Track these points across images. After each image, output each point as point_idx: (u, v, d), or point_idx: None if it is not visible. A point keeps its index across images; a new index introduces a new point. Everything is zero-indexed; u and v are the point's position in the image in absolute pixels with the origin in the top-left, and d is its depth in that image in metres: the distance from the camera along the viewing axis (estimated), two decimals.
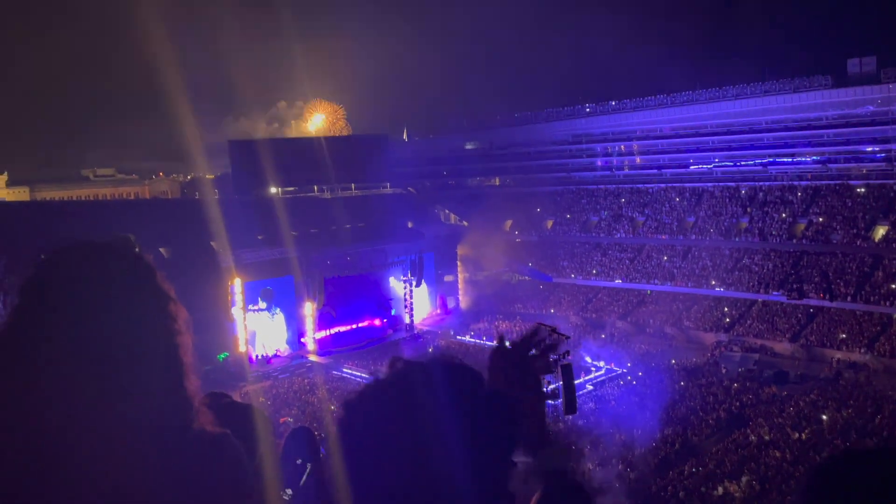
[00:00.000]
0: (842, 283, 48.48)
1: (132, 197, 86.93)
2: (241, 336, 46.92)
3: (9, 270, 42.34)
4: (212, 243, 45.70)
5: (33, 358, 1.47)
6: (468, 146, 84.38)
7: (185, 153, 49.86)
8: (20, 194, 79.76)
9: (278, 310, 50.78)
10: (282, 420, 33.79)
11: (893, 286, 46.04)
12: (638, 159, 69.40)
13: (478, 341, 52.08)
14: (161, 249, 47.42)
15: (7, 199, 68.86)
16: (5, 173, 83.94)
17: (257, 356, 48.63)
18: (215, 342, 43.74)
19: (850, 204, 53.41)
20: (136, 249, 1.77)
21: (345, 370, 46.91)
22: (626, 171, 70.02)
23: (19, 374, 1.46)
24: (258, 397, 39.49)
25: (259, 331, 49.23)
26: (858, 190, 53.96)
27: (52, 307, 1.52)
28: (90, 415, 1.45)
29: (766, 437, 30.99)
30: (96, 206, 66.48)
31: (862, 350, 43.23)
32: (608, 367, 44.12)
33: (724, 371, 42.38)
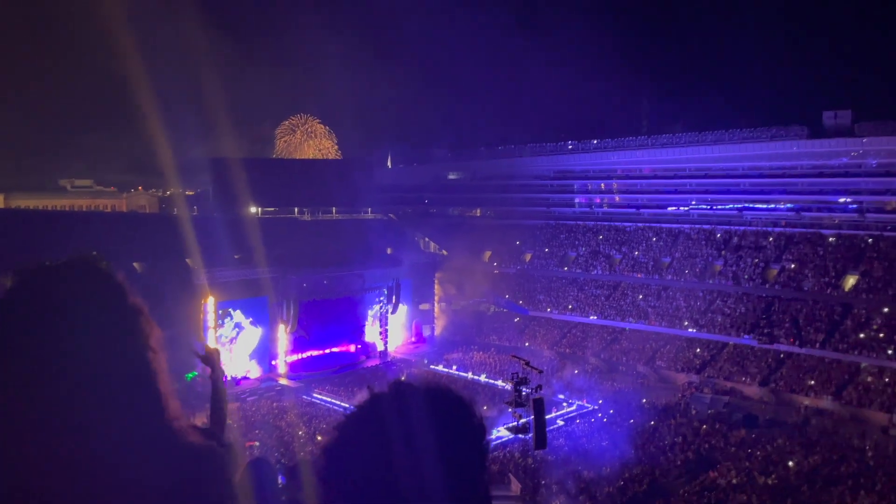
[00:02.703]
0: (812, 330, 49.16)
1: (109, 209, 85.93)
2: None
3: None
4: (187, 260, 45.25)
5: (9, 378, 1.46)
6: (451, 176, 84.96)
7: (164, 168, 49.57)
8: None
9: (256, 328, 50.17)
10: (248, 444, 33.24)
11: (862, 336, 46.77)
12: (617, 198, 70.33)
13: (451, 371, 51.84)
14: (134, 264, 46.88)
15: None
16: None
17: (226, 377, 47.86)
18: (185, 361, 42.99)
19: (821, 252, 54.41)
20: (105, 268, 1.75)
21: (315, 395, 46.36)
22: (606, 208, 70.87)
23: None
24: (227, 420, 38.77)
25: (229, 351, 48.55)
26: (830, 239, 55.03)
27: (20, 329, 1.50)
28: (66, 433, 1.42)
29: (734, 481, 31.07)
30: (72, 217, 65.55)
31: (829, 397, 43.71)
32: (580, 403, 44.10)
33: (694, 412, 42.53)
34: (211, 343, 46.07)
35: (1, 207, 75.42)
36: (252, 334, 50.32)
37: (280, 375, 50.61)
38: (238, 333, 49.48)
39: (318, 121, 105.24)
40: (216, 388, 4.26)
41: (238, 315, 49.48)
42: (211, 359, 4.82)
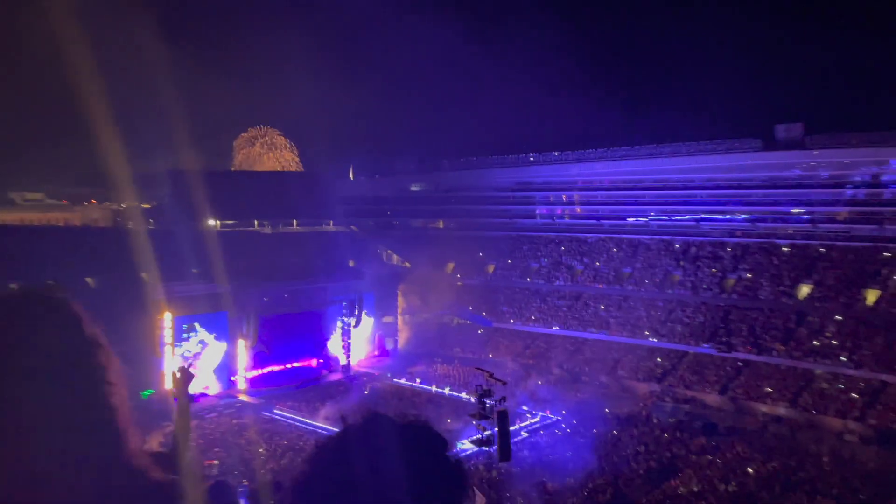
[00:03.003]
0: (768, 338, 50.21)
1: (61, 223, 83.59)
2: (168, 372, 45.08)
3: None
4: (142, 275, 44.14)
5: None
6: (413, 188, 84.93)
7: (118, 181, 48.40)
8: None
9: (220, 343, 49.15)
10: (207, 462, 32.41)
11: (816, 343, 47.93)
12: (578, 209, 71.15)
13: (414, 384, 51.50)
14: (88, 279, 45.62)
15: None
16: None
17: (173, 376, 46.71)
18: (140, 378, 41.90)
19: (776, 262, 55.72)
20: (61, 297, 1.61)
21: (276, 411, 45.52)
22: (567, 220, 71.60)
23: None
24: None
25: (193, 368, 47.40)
26: (784, 249, 56.41)
27: None
28: (18, 477, 1.30)
29: (695, 489, 31.37)
30: (22, 231, 63.58)
31: (786, 404, 44.60)
32: (544, 414, 44.18)
33: (655, 421, 42.95)
34: (169, 359, 45.00)
35: None
36: (217, 350, 49.27)
37: (240, 391, 49.61)
38: (202, 349, 48.40)
39: (278, 132, 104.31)
40: (183, 412, 4.15)
41: (202, 332, 48.40)
42: (184, 382, 4.65)
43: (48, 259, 40.81)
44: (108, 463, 1.47)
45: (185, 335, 47.21)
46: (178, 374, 4.70)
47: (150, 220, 68.48)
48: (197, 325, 47.97)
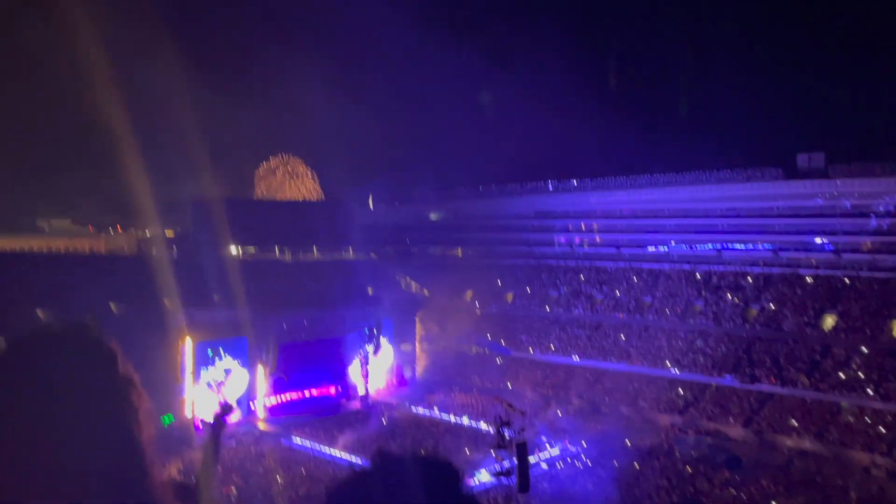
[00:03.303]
0: (793, 370, 49.35)
1: (87, 250, 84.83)
2: (189, 399, 45.31)
3: None
4: (164, 301, 44.63)
5: None
6: (432, 216, 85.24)
7: (142, 209, 49.22)
8: None
9: (244, 370, 49.34)
10: (225, 490, 32.40)
11: (842, 375, 47.01)
12: (597, 238, 70.85)
13: (433, 414, 51.18)
14: (111, 305, 46.18)
15: None
16: None
17: (203, 421, 46.83)
18: (161, 404, 42.13)
19: (800, 292, 54.96)
20: (96, 336, 1.75)
21: (294, 439, 45.43)
22: (586, 248, 71.29)
23: None
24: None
25: (205, 394, 47.61)
26: (808, 279, 55.67)
27: (7, 399, 1.47)
28: (47, 491, 1.37)
29: None
30: (48, 258, 64.53)
31: (812, 438, 43.67)
32: (563, 445, 43.64)
33: (677, 454, 42.24)
34: (190, 384, 45.23)
35: None
36: (241, 376, 49.45)
37: (259, 419, 49.62)
38: (227, 376, 48.60)
39: (299, 161, 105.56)
40: (215, 446, 4.28)
41: (228, 359, 48.67)
42: (225, 416, 4.78)
43: (74, 285, 41.39)
44: (132, 495, 1.55)
45: (209, 360, 47.44)
46: (214, 418, 4.83)
47: (174, 248, 69.28)
48: (221, 349, 48.22)
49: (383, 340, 59.33)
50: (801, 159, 60.05)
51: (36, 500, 1.27)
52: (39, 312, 42.98)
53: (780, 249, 58.63)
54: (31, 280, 44.50)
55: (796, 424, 45.31)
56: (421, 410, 52.30)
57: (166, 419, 43.37)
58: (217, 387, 47.52)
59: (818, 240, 57.25)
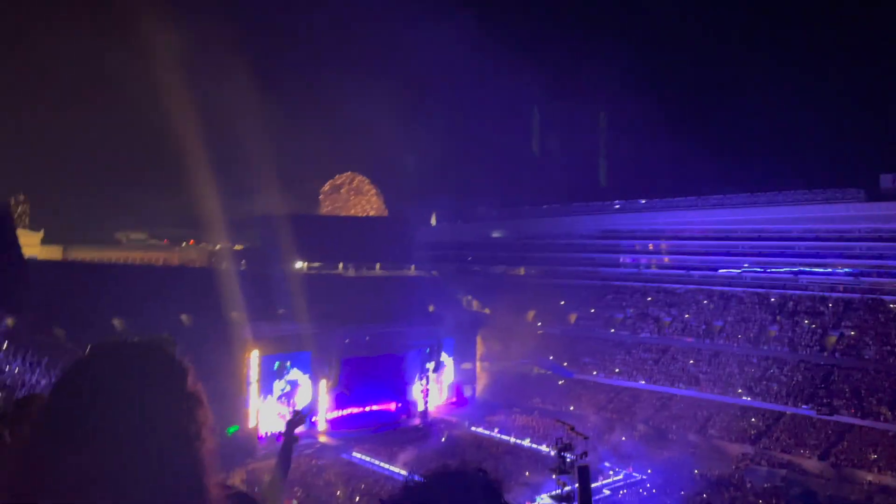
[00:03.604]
0: (874, 401, 46.66)
1: (161, 262, 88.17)
2: (253, 410, 46.09)
3: (35, 329, 42.75)
4: (232, 314, 45.69)
5: (62, 436, 1.55)
6: (495, 234, 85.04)
7: (213, 224, 50.80)
8: (53, 252, 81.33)
9: (306, 382, 50.01)
10: (286, 502, 32.64)
11: None
12: (666, 259, 69.09)
13: (493, 434, 50.55)
14: (182, 316, 47.60)
15: (40, 257, 70.23)
16: (41, 231, 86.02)
17: (267, 433, 47.55)
18: (226, 415, 42.98)
19: (882, 319, 52.12)
20: (173, 352, 1.85)
21: (354, 454, 45.58)
22: (654, 269, 69.59)
23: (45, 450, 1.56)
24: (265, 475, 38.32)
25: (270, 407, 48.35)
26: (892, 305, 52.76)
27: (90, 395, 1.61)
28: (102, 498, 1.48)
29: None
30: (124, 269, 67.34)
31: (894, 473, 41.03)
32: (627, 472, 42.32)
33: (749, 486, 40.39)
34: (255, 396, 46.03)
35: (60, 259, 77.95)
36: (307, 389, 50.12)
37: (320, 432, 50.04)
38: (293, 388, 49.32)
39: (364, 179, 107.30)
40: (286, 460, 4.59)
41: (295, 371, 49.40)
42: (295, 425, 4.95)
43: (147, 295, 42.89)
44: None
45: (275, 373, 48.23)
46: (289, 423, 5.01)
47: (242, 262, 71.22)
48: (289, 363, 48.98)
49: (444, 358, 59.13)
50: (885, 179, 57.28)
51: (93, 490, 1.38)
52: (116, 321, 44.65)
53: (862, 274, 55.84)
54: (108, 290, 46.30)
55: (877, 458, 42.70)
56: (481, 430, 51.74)
57: (231, 430, 44.19)
58: (286, 398, 48.23)
59: None
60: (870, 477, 41.63)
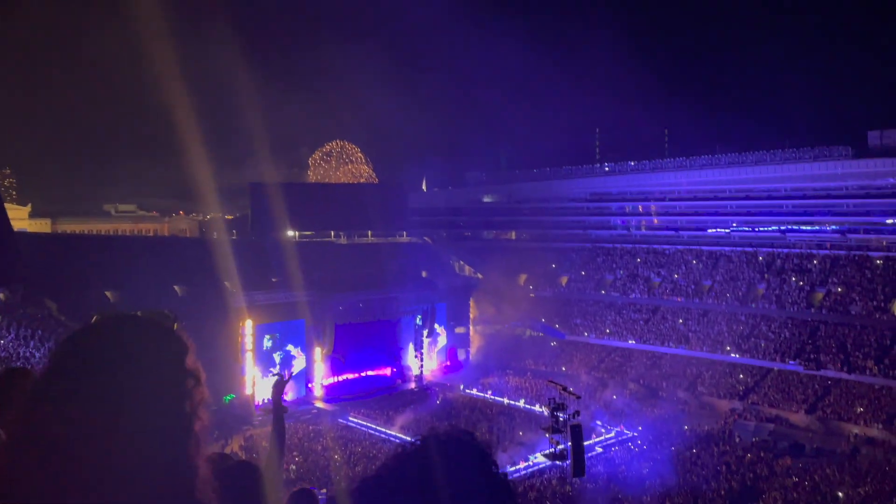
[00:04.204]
0: (860, 356, 47.56)
1: (151, 234, 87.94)
2: (249, 378, 46.60)
3: (26, 300, 42.78)
4: (225, 283, 45.85)
5: (59, 407, 1.53)
6: (486, 199, 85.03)
7: (203, 193, 50.57)
8: (42, 226, 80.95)
9: (303, 355, 50.54)
10: (285, 467, 33.26)
11: None
12: (655, 220, 69.44)
13: (486, 396, 51.36)
14: (175, 287, 47.70)
15: (29, 230, 69.90)
16: (29, 205, 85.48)
17: (263, 399, 48.15)
18: (222, 383, 43.45)
19: (869, 275, 52.81)
20: (175, 327, 1.84)
21: (350, 419, 46.30)
22: (643, 231, 69.98)
23: (42, 421, 1.53)
24: (262, 442, 38.94)
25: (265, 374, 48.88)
26: (878, 262, 53.41)
27: (88, 367, 1.59)
28: (96, 474, 1.48)
29: None
30: (115, 241, 67.17)
31: (879, 426, 42.07)
32: (619, 429, 43.21)
33: (737, 440, 41.35)
34: (250, 365, 46.46)
35: (48, 232, 77.62)
36: (300, 358, 50.69)
37: (316, 398, 50.71)
38: (286, 355, 49.87)
39: (353, 146, 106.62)
40: (280, 432, 4.36)
41: (290, 346, 49.96)
42: (279, 390, 4.88)
43: (139, 267, 42.90)
44: (175, 481, 1.65)
45: (270, 341, 48.70)
46: (274, 387, 4.95)
47: (233, 231, 71.09)
48: (277, 336, 49.42)
49: (437, 323, 59.68)
50: (873, 136, 57.50)
51: (82, 478, 1.40)
52: (109, 294, 44.74)
53: (849, 231, 56.37)
54: (98, 262, 46.28)
55: (863, 411, 43.72)
56: (475, 392, 52.55)
57: (227, 398, 44.74)
58: (279, 367, 48.72)
59: (889, 221, 54.78)
60: (856, 429, 42.63)
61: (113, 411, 1.51)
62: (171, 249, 58.87)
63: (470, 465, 1.64)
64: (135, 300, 40.56)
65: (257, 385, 46.72)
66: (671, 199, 68.13)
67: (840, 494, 31.74)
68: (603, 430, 42.96)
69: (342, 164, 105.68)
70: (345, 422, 45.86)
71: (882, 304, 50.18)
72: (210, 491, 1.66)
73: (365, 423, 45.07)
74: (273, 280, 51.81)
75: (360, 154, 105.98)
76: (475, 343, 64.76)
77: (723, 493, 32.76)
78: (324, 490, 28.18)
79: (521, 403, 48.70)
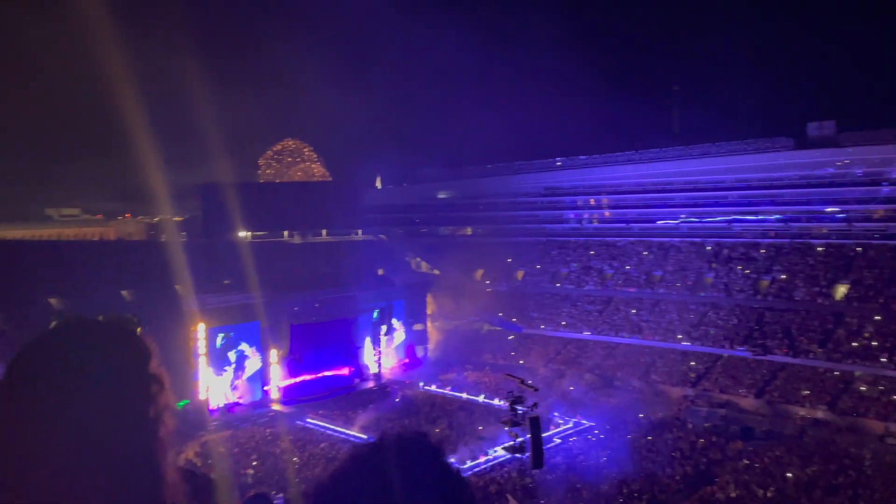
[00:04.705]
0: (805, 340, 49.23)
1: (97, 238, 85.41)
2: (203, 383, 45.74)
3: None
4: (176, 287, 44.89)
5: (18, 418, 1.48)
6: (441, 195, 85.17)
7: (151, 195, 49.38)
8: None
9: (258, 355, 49.82)
10: (242, 471, 32.81)
11: (855, 344, 46.86)
12: (607, 213, 70.61)
13: (445, 392, 51.49)
14: (123, 292, 46.50)
15: None
16: None
17: (218, 405, 47.34)
18: (176, 389, 42.42)
19: (811, 262, 54.67)
20: (137, 332, 1.81)
21: (309, 420, 45.85)
22: (596, 224, 71.07)
23: (2, 427, 1.50)
24: (218, 447, 38.30)
25: (221, 378, 48.06)
26: (819, 249, 55.32)
27: (47, 375, 1.54)
28: (63, 482, 1.44)
29: (733, 495, 30.86)
30: (59, 246, 65.01)
31: (825, 407, 43.67)
32: (576, 420, 43.84)
33: (690, 426, 42.36)
34: (203, 369, 45.58)
35: None
36: (254, 360, 49.98)
37: (273, 401, 50.07)
38: (238, 358, 49.09)
39: (305, 145, 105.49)
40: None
41: (244, 345, 49.16)
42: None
43: (84, 273, 41.67)
44: (143, 488, 1.58)
45: (222, 345, 47.89)
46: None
47: (183, 233, 69.65)
48: (231, 334, 48.62)
49: (395, 320, 59.56)
50: (812, 128, 59.50)
51: (48, 486, 1.31)
52: (53, 302, 43.36)
53: (791, 220, 58.23)
54: (41, 269, 44.79)
55: (809, 394, 45.29)
56: (434, 388, 52.63)
57: (181, 404, 43.83)
58: (233, 371, 47.99)
59: (829, 209, 56.81)
60: (802, 412, 44.13)
61: (76, 417, 1.47)
62: (118, 253, 57.34)
63: (423, 465, 1.63)
64: (80, 307, 39.35)
65: (211, 389, 45.88)
66: (622, 193, 69.36)
67: (789, 475, 32.82)
68: (561, 422, 43.52)
69: (294, 162, 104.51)
70: (303, 423, 45.40)
71: (824, 290, 52.03)
72: (181, 495, 1.63)
73: (323, 425, 44.70)
74: (226, 282, 50.92)
75: (312, 153, 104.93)
76: (433, 339, 64.86)
77: (678, 477, 33.57)
78: (280, 494, 27.89)
79: (481, 398, 48.98)
